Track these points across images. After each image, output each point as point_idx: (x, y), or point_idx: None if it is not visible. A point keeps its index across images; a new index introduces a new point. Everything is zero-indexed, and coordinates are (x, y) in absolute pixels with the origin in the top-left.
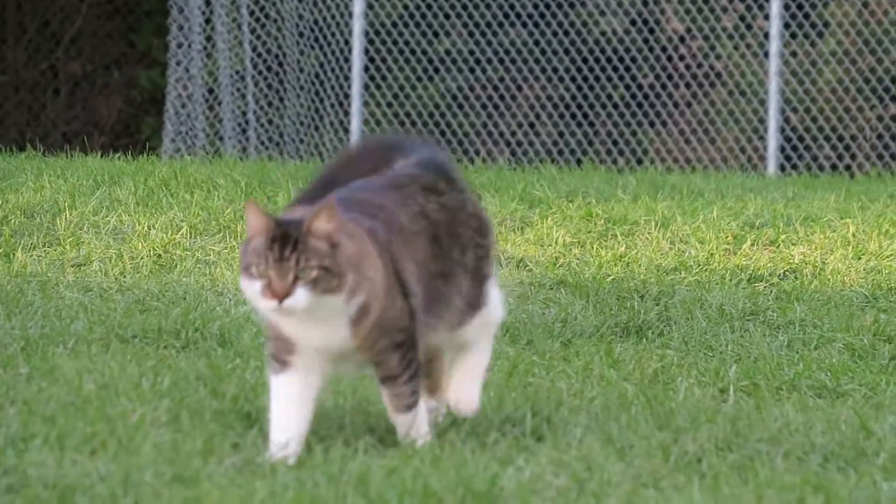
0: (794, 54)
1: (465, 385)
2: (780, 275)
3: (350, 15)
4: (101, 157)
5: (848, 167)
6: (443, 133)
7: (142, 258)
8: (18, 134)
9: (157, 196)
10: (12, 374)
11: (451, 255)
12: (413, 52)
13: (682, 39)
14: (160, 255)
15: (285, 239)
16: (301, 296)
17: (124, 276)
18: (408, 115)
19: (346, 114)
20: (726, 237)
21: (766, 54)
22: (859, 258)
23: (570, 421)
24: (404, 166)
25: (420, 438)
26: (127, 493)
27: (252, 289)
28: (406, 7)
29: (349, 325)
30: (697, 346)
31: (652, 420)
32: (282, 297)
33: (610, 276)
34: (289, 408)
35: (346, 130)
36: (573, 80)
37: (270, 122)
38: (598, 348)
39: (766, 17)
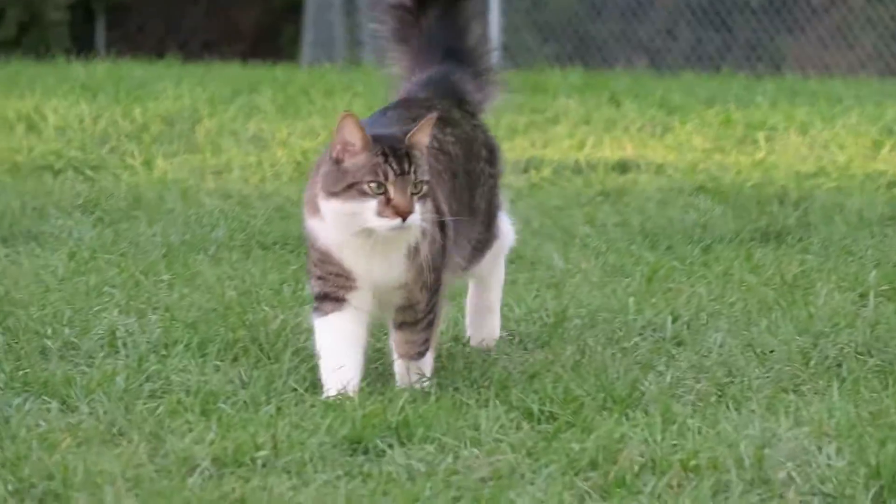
0: None
1: (486, 322)
2: None
3: None
4: (241, 65)
5: None
6: (581, 40)
7: (281, 165)
8: (158, 42)
9: (296, 103)
10: (154, 281)
11: (467, 193)
12: None
13: None
14: (299, 161)
15: (397, 154)
16: (419, 212)
17: (264, 183)
18: (546, 22)
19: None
20: (865, 143)
21: None
22: None
23: (710, 326)
24: (419, 87)
25: (423, 381)
26: (269, 400)
27: (362, 208)
28: None
29: (404, 259)
30: (837, 251)
31: (792, 325)
32: (406, 213)
33: (749, 181)
34: (347, 344)
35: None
36: None
37: None
38: (737, 253)
39: None
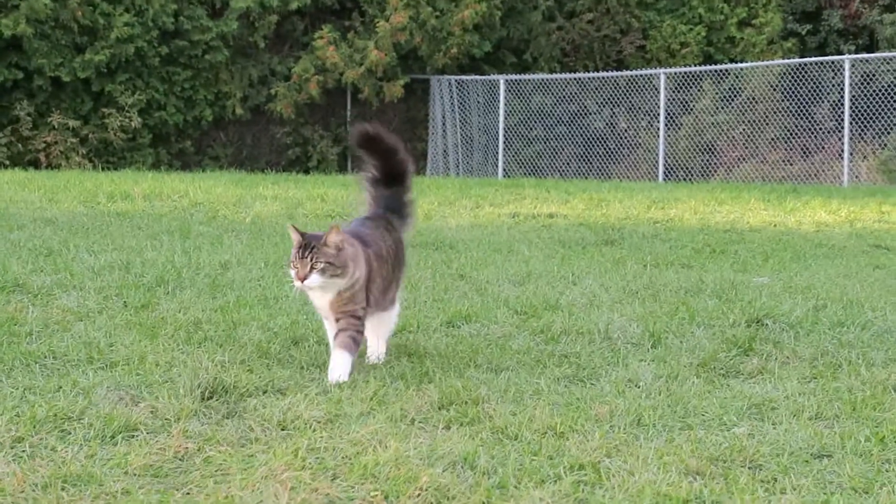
0: None
1: (380, 345)
2: None
3: None
4: None
5: None
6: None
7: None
8: None
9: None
10: None
11: (395, 271)
12: None
13: None
14: None
15: (307, 247)
16: (314, 278)
17: None
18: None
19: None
20: (643, 204)
21: None
22: None
23: (585, 276)
24: (377, 211)
25: (341, 378)
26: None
27: (291, 274)
28: None
29: (337, 294)
30: (635, 249)
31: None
32: (302, 279)
33: (599, 220)
34: (330, 339)
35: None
36: None
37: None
38: (596, 249)
39: None
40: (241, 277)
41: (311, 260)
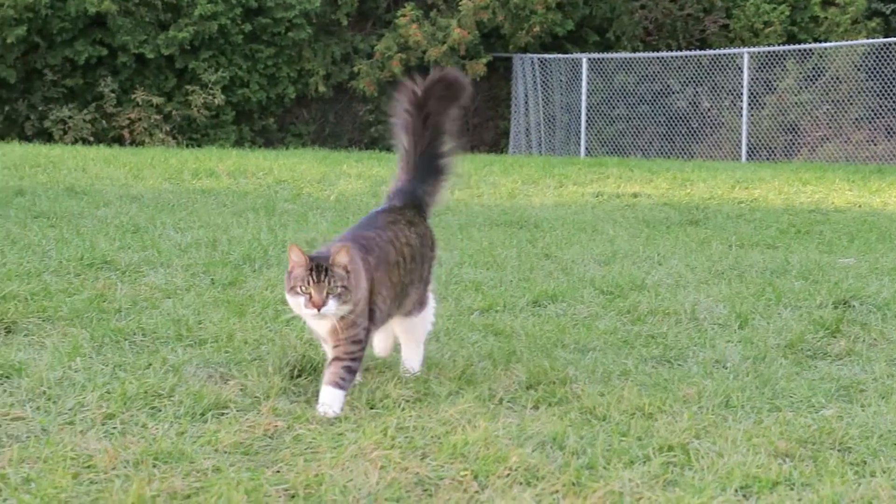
0: None
1: (414, 352)
2: None
3: None
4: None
5: None
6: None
7: None
8: None
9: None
10: None
11: (417, 268)
12: None
13: None
14: None
15: (319, 269)
16: (332, 305)
17: None
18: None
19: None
20: (726, 184)
21: None
22: None
23: (672, 256)
24: (396, 202)
25: (329, 412)
26: None
27: (298, 302)
28: None
29: (340, 319)
30: (719, 230)
31: (703, 258)
32: (319, 306)
33: (683, 200)
34: (328, 359)
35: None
36: None
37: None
38: (680, 229)
39: None
40: None
41: (329, 284)
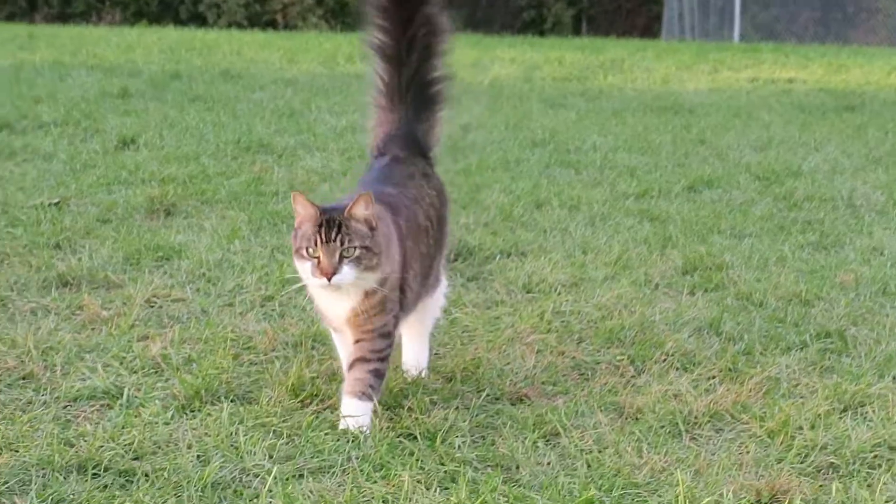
0: None
1: (420, 349)
2: None
3: None
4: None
5: None
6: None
7: None
8: None
9: None
10: None
11: (439, 236)
12: None
13: None
14: None
15: (331, 225)
16: (347, 272)
17: None
18: None
19: None
20: (884, 70)
21: None
22: None
23: (827, 143)
24: (396, 151)
25: (358, 428)
26: None
27: (304, 268)
28: None
29: (362, 296)
30: (874, 115)
31: (856, 147)
32: (330, 274)
33: (838, 86)
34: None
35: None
36: None
37: None
38: (836, 115)
39: None
40: (482, 140)
41: (342, 244)
